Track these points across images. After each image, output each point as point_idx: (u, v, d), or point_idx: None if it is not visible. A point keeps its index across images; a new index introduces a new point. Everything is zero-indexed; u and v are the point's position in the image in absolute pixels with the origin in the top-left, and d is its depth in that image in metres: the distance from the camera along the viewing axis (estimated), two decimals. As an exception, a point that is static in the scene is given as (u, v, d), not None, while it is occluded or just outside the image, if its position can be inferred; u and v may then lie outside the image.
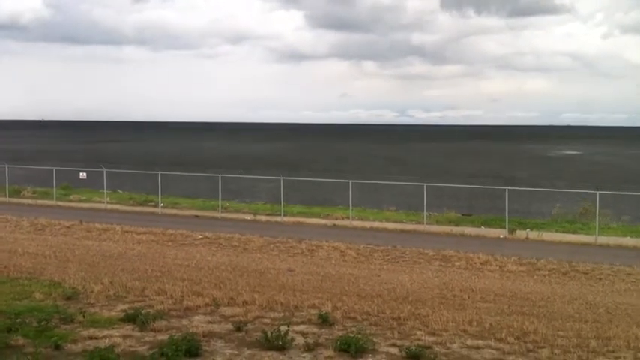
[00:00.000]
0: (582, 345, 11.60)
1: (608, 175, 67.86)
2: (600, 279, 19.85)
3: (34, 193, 41.40)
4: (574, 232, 29.20)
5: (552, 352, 11.09)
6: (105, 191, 37.69)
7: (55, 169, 39.24)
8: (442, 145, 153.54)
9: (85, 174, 40.37)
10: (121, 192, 42.26)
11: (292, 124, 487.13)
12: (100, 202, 37.80)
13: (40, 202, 38.28)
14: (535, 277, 20.04)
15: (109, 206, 36.61)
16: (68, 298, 14.29)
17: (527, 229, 29.07)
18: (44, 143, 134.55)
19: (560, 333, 12.51)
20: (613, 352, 11.33)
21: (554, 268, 21.26)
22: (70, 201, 39.07)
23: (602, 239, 27.12)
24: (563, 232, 29.38)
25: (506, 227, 28.95)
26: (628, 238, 27.84)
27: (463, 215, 33.48)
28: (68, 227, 28.39)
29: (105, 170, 37.47)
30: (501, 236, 28.22)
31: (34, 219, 30.34)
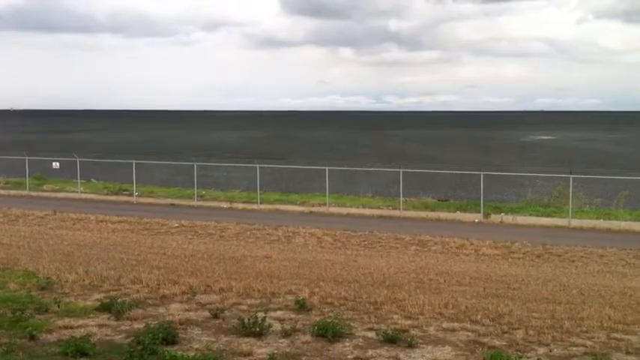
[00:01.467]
0: (556, 326, 11.75)
1: (581, 159, 68.63)
2: (574, 261, 20.11)
3: (6, 183, 40.85)
4: (548, 216, 29.53)
5: (527, 334, 11.23)
6: (79, 180, 37.30)
7: (27, 158, 38.74)
8: (419, 131, 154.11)
9: (58, 163, 39.90)
10: (95, 181, 41.87)
11: (270, 112, 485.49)
12: (73, 191, 37.41)
13: (12, 192, 37.79)
14: (510, 260, 20.24)
15: (83, 195, 36.26)
16: (42, 288, 14.15)
17: (502, 214, 29.33)
18: (9, 133, 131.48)
19: (535, 315, 12.66)
20: (586, 332, 11.49)
21: (528, 251, 21.49)
22: (44, 191, 38.62)
23: (576, 222, 27.46)
24: (538, 215, 29.69)
25: (482, 212, 29.17)
26: (601, 220, 28.20)
27: (439, 200, 33.68)
28: (42, 217, 28.08)
29: (78, 159, 37.06)
30: (476, 220, 28.44)
31: (7, 209, 29.96)
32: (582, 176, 32.98)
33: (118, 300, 12.54)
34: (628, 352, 10.36)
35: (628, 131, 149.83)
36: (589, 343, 10.83)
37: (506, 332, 11.32)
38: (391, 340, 10.51)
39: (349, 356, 9.99)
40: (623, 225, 27.05)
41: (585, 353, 10.26)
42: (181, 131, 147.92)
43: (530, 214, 29.86)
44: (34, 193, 37.28)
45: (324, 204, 32.13)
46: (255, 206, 32.45)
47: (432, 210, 30.99)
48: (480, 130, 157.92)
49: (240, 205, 33.02)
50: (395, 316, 12.28)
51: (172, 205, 33.59)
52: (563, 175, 31.65)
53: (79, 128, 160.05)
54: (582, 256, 20.82)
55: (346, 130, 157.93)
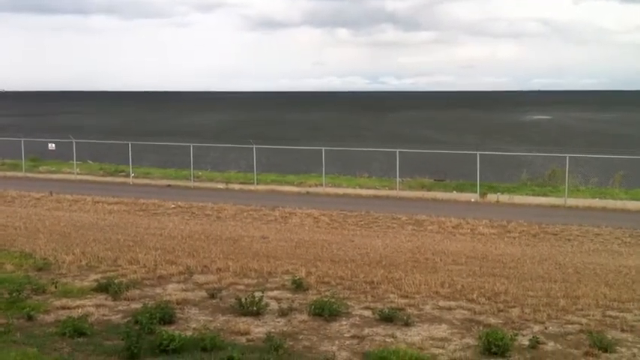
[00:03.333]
0: (552, 304, 11.83)
1: (578, 139, 68.65)
2: (569, 240, 20.18)
3: (2, 164, 40.73)
4: (544, 195, 29.57)
5: (523, 312, 11.31)
6: (75, 162, 37.20)
7: (23, 139, 38.59)
8: (416, 113, 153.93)
9: (53, 145, 39.74)
10: (91, 162, 41.77)
11: (266, 93, 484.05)
12: (69, 172, 37.32)
13: (8, 173, 37.68)
14: (506, 239, 20.30)
15: (79, 177, 36.19)
16: (39, 269, 14.19)
17: (498, 193, 29.36)
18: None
19: (530, 293, 12.74)
20: (582, 310, 11.58)
21: (524, 230, 21.56)
22: (40, 172, 38.52)
23: (572, 201, 27.51)
24: (534, 195, 29.73)
25: (478, 191, 29.20)
26: (597, 199, 28.27)
27: (436, 180, 33.69)
28: (38, 199, 28.04)
29: (74, 141, 36.95)
30: (473, 200, 28.48)
31: (3, 191, 29.89)
32: (578, 155, 33.01)
33: (115, 280, 12.60)
34: (623, 330, 10.45)
35: (624, 110, 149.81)
36: (584, 320, 10.92)
37: (502, 310, 11.41)
38: (387, 318, 10.59)
39: (346, 335, 10.06)
40: (618, 204, 27.11)
41: (580, 331, 10.35)
42: (170, 114, 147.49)
43: (527, 194, 29.89)
44: (30, 175, 37.19)
45: (321, 184, 32.13)
46: (251, 187, 32.44)
47: (429, 190, 31.01)
48: (477, 111, 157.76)
49: (236, 186, 33.00)
50: (391, 295, 12.36)
51: (169, 186, 33.55)
52: (560, 155, 31.66)
53: (63, 110, 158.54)
54: (578, 235, 20.89)
55: (343, 111, 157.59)
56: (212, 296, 11.95)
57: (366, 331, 10.21)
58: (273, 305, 11.34)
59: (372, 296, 12.24)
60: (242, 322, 10.44)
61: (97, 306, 11.42)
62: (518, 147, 54.29)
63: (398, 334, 10.08)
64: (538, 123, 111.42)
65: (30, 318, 10.59)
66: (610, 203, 27.33)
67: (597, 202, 27.61)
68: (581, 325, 10.67)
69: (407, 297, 12.21)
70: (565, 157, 29.08)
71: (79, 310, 11.02)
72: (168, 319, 10.40)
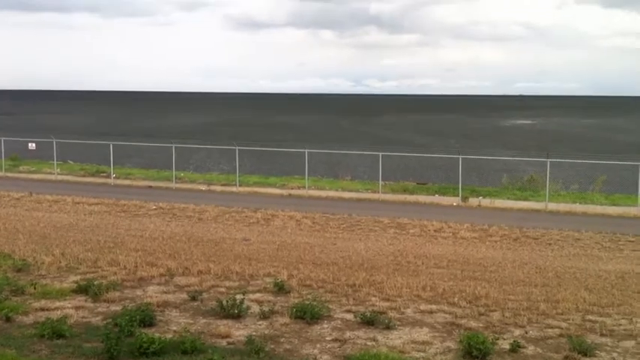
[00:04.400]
0: (532, 308, 11.89)
1: (559, 144, 69.16)
2: (550, 244, 20.32)
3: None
4: (525, 200, 29.76)
5: (503, 315, 11.35)
6: (55, 162, 36.90)
7: (2, 139, 38.22)
8: (398, 116, 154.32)
9: (34, 144, 39.39)
10: (71, 162, 41.46)
11: (249, 94, 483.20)
12: (50, 172, 37.01)
13: (-13, 173, 37.30)
14: (487, 243, 20.40)
15: (60, 177, 35.89)
16: (18, 270, 14.03)
17: (480, 197, 29.51)
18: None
19: (511, 297, 12.80)
20: (562, 314, 11.64)
21: (505, 235, 21.67)
22: (20, 172, 38.17)
23: (552, 206, 27.71)
24: (515, 199, 29.91)
25: (460, 195, 29.33)
26: (577, 204, 28.48)
27: (418, 184, 33.79)
28: (17, 199, 27.77)
29: (55, 140, 36.64)
30: (455, 204, 28.60)
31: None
32: (559, 160, 33.25)
33: (95, 282, 12.48)
34: (602, 334, 10.51)
35: (606, 116, 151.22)
36: (564, 324, 10.98)
37: (482, 314, 11.44)
38: (369, 321, 10.58)
39: (327, 338, 10.03)
40: (598, 209, 27.36)
41: (560, 335, 10.40)
42: (153, 114, 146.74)
43: (508, 198, 30.08)
44: (9, 174, 36.82)
45: (303, 187, 32.11)
46: (234, 189, 32.35)
47: (411, 193, 31.09)
48: (459, 115, 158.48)
49: (218, 188, 32.89)
50: (373, 299, 12.35)
51: (150, 187, 33.37)
52: (541, 159, 31.87)
53: (43, 109, 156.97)
54: (558, 240, 21.04)
55: (326, 114, 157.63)
56: (193, 299, 11.87)
57: (348, 334, 10.18)
58: (255, 308, 11.29)
59: (353, 299, 12.23)
60: (223, 325, 10.38)
61: (77, 308, 11.30)
62: (501, 151, 54.61)
63: (379, 337, 10.06)
64: (520, 127, 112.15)
65: (8, 319, 10.46)
66: (590, 208, 27.56)
67: (578, 207, 27.83)
68: (561, 329, 10.72)
69: (388, 300, 12.21)
70: (546, 161, 29.27)
71: (58, 312, 10.90)
72: (148, 321, 10.31)
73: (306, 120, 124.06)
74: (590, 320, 11.31)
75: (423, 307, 11.84)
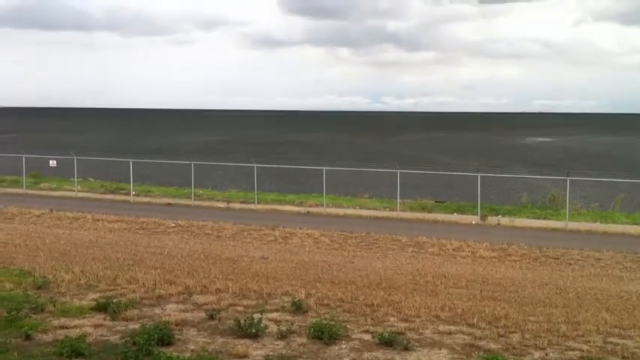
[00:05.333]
0: (553, 330, 11.76)
1: (579, 162, 68.67)
2: (570, 264, 20.10)
3: (2, 181, 40.72)
4: (545, 218, 29.50)
5: (523, 337, 11.24)
6: (75, 179, 37.21)
7: (24, 156, 38.63)
8: (421, 135, 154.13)
9: (55, 162, 39.79)
10: (92, 180, 41.79)
11: (267, 111, 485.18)
12: (70, 190, 37.32)
13: (9, 190, 37.68)
14: (506, 262, 20.23)
15: (80, 194, 36.18)
16: (38, 288, 14.14)
17: (499, 216, 29.30)
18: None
19: (531, 318, 12.67)
20: (583, 336, 11.50)
21: (525, 254, 21.48)
22: (40, 189, 38.52)
23: (573, 225, 27.45)
24: (535, 218, 29.65)
25: (479, 213, 29.15)
26: (598, 223, 28.20)
27: (436, 202, 33.64)
28: (38, 216, 28.01)
29: (75, 158, 36.99)
30: (474, 222, 28.42)
31: (3, 207, 29.86)
32: (579, 178, 32.99)
33: (114, 300, 12.53)
34: (624, 357, 10.37)
35: (624, 134, 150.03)
36: (585, 347, 10.85)
37: (502, 336, 11.33)
38: (387, 342, 10.52)
39: (345, 359, 9.99)
40: (619, 228, 27.05)
41: (581, 357, 10.27)
42: (171, 131, 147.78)
43: (528, 217, 29.82)
44: (30, 192, 37.18)
45: (321, 204, 32.09)
46: (252, 206, 32.41)
47: (430, 211, 30.96)
48: (478, 133, 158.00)
49: (237, 205, 32.97)
50: (391, 319, 12.28)
51: (169, 204, 33.52)
52: (561, 178, 31.63)
53: (63, 127, 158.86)
54: (579, 259, 20.81)
55: (344, 132, 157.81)
56: (211, 317, 11.89)
57: (366, 355, 10.14)
58: (272, 327, 11.27)
59: (371, 319, 12.18)
60: (241, 345, 10.37)
61: (96, 326, 11.36)
62: (520, 169, 54.31)
63: (398, 358, 10.01)
64: (540, 145, 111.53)
65: (28, 337, 10.53)
66: (611, 227, 27.26)
67: (598, 226, 27.54)
68: (582, 351, 10.59)
69: (407, 320, 12.14)
70: (566, 179, 29.05)
71: (77, 330, 10.96)
72: (166, 340, 10.33)
73: (324, 138, 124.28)
74: (611, 342, 11.17)
75: (441, 327, 11.75)
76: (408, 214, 30.25)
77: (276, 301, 13.50)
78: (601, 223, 28.35)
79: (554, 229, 27.05)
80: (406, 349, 10.38)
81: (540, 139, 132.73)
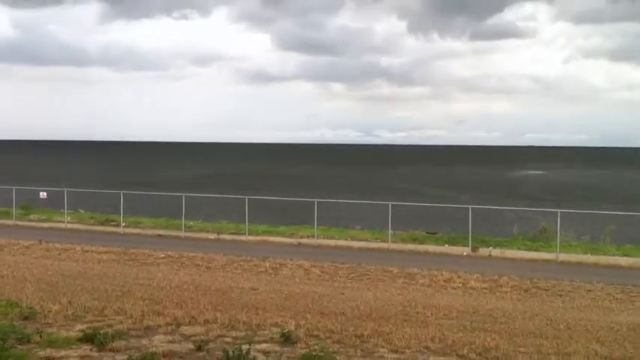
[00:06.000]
0: (543, 361, 11.69)
1: (569, 194, 68.97)
2: (561, 295, 20.08)
3: (-8, 212, 40.50)
4: (536, 250, 29.51)
5: (513, 368, 11.16)
6: (65, 210, 37.08)
7: (14, 188, 38.51)
8: (412, 168, 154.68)
9: (45, 193, 39.65)
10: (82, 211, 41.62)
11: (259, 144, 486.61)
12: (60, 221, 37.15)
13: (-2, 221, 37.47)
14: (497, 294, 20.18)
15: (70, 225, 36.02)
16: (25, 318, 13.99)
17: (490, 247, 29.31)
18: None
19: (522, 349, 12.60)
20: (573, 367, 11.44)
21: (515, 285, 21.45)
22: (30, 220, 38.33)
23: (564, 256, 27.48)
24: (525, 249, 29.66)
25: (470, 245, 29.15)
26: (589, 255, 28.23)
27: (428, 233, 33.63)
28: (27, 247, 27.84)
29: (66, 189, 36.89)
30: (464, 254, 28.41)
31: (-8, 239, 29.67)
32: (570, 211, 33.05)
33: (101, 331, 12.40)
34: (614, 388, 10.30)
35: (614, 168, 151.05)
36: (575, 378, 10.78)
37: (492, 366, 11.26)
38: (376, 373, 10.43)
39: (334, 390, 9.88)
40: (610, 260, 27.08)
41: (572, 388, 10.20)
42: (164, 165, 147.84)
43: (519, 248, 29.84)
44: (20, 223, 36.98)
45: (312, 236, 32.04)
46: (243, 237, 32.32)
47: (421, 243, 30.94)
48: (470, 165, 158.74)
49: (228, 237, 32.87)
50: (381, 350, 12.19)
51: (159, 235, 33.40)
52: (552, 210, 31.72)
53: (56, 161, 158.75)
54: (570, 291, 20.79)
55: (336, 165, 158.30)
56: (199, 349, 11.76)
57: (355, 386, 10.04)
58: (261, 359, 11.17)
59: (361, 350, 12.08)
60: (229, 376, 10.25)
61: (82, 357, 11.22)
62: (512, 202, 54.45)
63: (387, 389, 9.91)
64: (531, 178, 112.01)
65: (13, 368, 10.39)
66: (602, 259, 27.29)
67: (589, 258, 27.57)
68: (573, 382, 10.52)
69: (397, 352, 12.05)
70: (557, 212, 29.13)
71: (63, 361, 10.82)
72: (153, 371, 10.21)
73: (316, 171, 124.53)
74: (602, 373, 11.10)
75: (432, 358, 11.67)
76: (399, 246, 30.22)
77: (265, 332, 13.39)
78: (592, 254, 28.38)
79: (545, 261, 27.07)
80: (395, 380, 10.29)
81: (532, 172, 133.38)
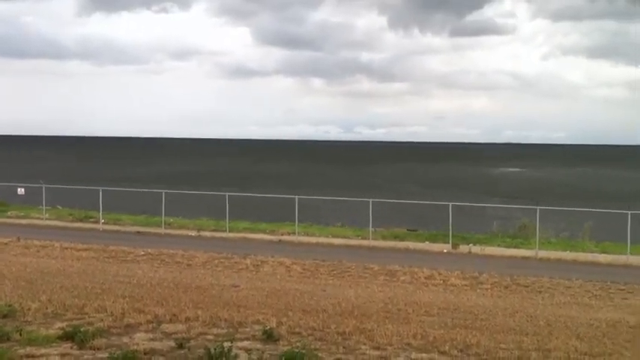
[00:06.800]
0: (523, 357, 11.76)
1: (548, 192, 69.54)
2: (541, 292, 20.25)
3: (-31, 209, 40.04)
4: (515, 247, 29.76)
5: (495, 365, 11.22)
6: (44, 207, 36.73)
7: (-9, 184, 38.09)
8: (393, 165, 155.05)
9: (23, 189, 39.27)
10: (60, 208, 41.25)
11: (239, 140, 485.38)
12: (38, 218, 36.80)
13: (-25, 218, 37.04)
14: (478, 290, 20.31)
15: (48, 222, 35.69)
16: (4, 316, 13.81)
17: (470, 244, 29.49)
18: None
19: (502, 346, 12.67)
20: (553, 363, 11.53)
21: (496, 282, 21.60)
22: (8, 217, 37.94)
23: (543, 253, 27.71)
24: (505, 246, 29.90)
25: (450, 242, 29.31)
26: (567, 252, 28.50)
27: (408, 230, 33.77)
28: (5, 244, 27.53)
29: (44, 185, 36.54)
30: (445, 251, 28.56)
31: (-31, 236, 29.31)
32: (548, 208, 33.35)
33: (82, 329, 12.27)
34: (594, 384, 10.40)
35: (592, 165, 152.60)
36: (556, 374, 10.86)
37: (474, 363, 11.31)
38: (359, 370, 10.43)
39: (316, 387, 9.87)
40: (589, 256, 27.37)
41: (552, 384, 10.28)
42: (142, 160, 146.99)
43: (499, 245, 30.07)
44: (-3, 220, 36.58)
45: (294, 233, 32.02)
46: (223, 234, 32.22)
47: (402, 240, 31.07)
48: (449, 162, 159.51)
49: (208, 234, 32.76)
50: (363, 347, 12.19)
51: (139, 232, 33.20)
52: (530, 207, 31.98)
53: (32, 155, 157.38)
54: (549, 287, 20.98)
55: (317, 163, 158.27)
56: (180, 346, 11.68)
57: (337, 383, 10.03)
58: (243, 356, 11.12)
59: (343, 347, 12.07)
60: (211, 373, 10.20)
61: (62, 355, 11.10)
62: (491, 199, 54.81)
63: (369, 386, 9.92)
64: (510, 175, 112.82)
65: (-9, 367, 10.26)
66: (581, 256, 27.58)
67: (568, 255, 27.84)
68: (553, 378, 10.60)
69: (379, 348, 12.06)
70: (536, 209, 29.37)
71: (44, 359, 10.71)
72: (134, 369, 10.13)
73: (296, 167, 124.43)
74: (582, 369, 11.20)
75: (413, 355, 11.69)
76: (380, 243, 30.31)
77: (246, 329, 13.34)
78: (570, 251, 28.67)
79: (524, 258, 27.28)
80: (378, 377, 10.30)
81: (511, 169, 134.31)
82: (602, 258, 27.10)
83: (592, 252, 28.53)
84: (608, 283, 21.91)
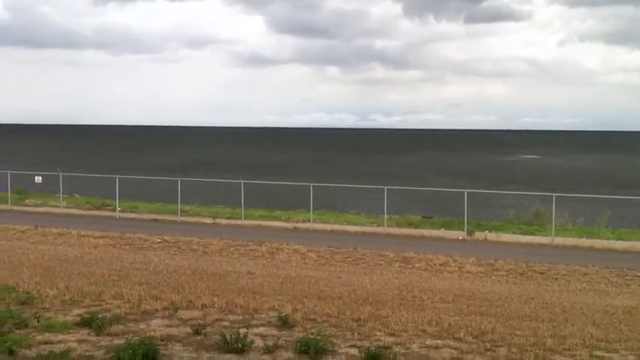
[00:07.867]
0: (539, 344, 11.75)
1: (565, 178, 69.08)
2: (556, 279, 20.17)
3: (-13, 197, 40.42)
4: (531, 234, 29.63)
5: (510, 351, 11.21)
6: (61, 195, 37.02)
7: (9, 172, 38.41)
8: (409, 153, 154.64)
9: (40, 178, 39.59)
10: (77, 196, 41.58)
11: (255, 128, 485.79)
12: (56, 206, 37.10)
13: (-6, 206, 37.40)
14: (493, 277, 20.26)
15: (65, 210, 35.97)
16: (22, 303, 13.97)
17: (486, 231, 29.40)
18: None
19: (518, 332, 12.66)
20: (569, 350, 11.50)
21: (511, 269, 21.53)
22: (26, 205, 38.28)
23: (559, 240, 27.58)
24: (521, 233, 29.79)
25: (465, 229, 29.23)
26: (584, 239, 28.35)
27: (424, 217, 33.72)
28: (23, 232, 27.80)
29: (61, 174, 36.81)
30: (460, 238, 28.50)
31: (-12, 224, 29.61)
32: (565, 194, 33.15)
33: (99, 315, 12.40)
34: (610, 370, 10.37)
35: (609, 151, 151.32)
36: (571, 360, 10.84)
37: (489, 349, 11.30)
38: (374, 357, 10.46)
39: (331, 373, 9.92)
40: (605, 243, 27.21)
41: (568, 371, 10.26)
42: (157, 149, 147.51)
43: (514, 232, 29.95)
44: (15, 208, 36.93)
45: (309, 220, 32.07)
46: (239, 222, 32.33)
47: (417, 227, 31.02)
48: (466, 150, 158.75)
49: (223, 221, 32.88)
50: (378, 333, 12.23)
51: (155, 220, 33.39)
52: (547, 194, 31.80)
53: (51, 145, 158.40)
54: (565, 274, 20.89)
55: (332, 151, 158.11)
56: (196, 332, 11.78)
57: (352, 369, 10.08)
58: (259, 342, 11.19)
59: (358, 334, 12.12)
60: None
61: (80, 341, 11.22)
62: (507, 186, 54.54)
63: (384, 372, 9.95)
64: (526, 162, 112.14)
65: (11, 353, 10.39)
66: (597, 242, 27.41)
67: (584, 242, 27.69)
68: (569, 365, 10.58)
69: (394, 335, 12.09)
70: (552, 195, 29.20)
71: (62, 345, 10.82)
72: (151, 355, 10.21)
73: (312, 156, 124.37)
74: (597, 356, 11.16)
75: (428, 342, 11.71)
76: (395, 230, 30.29)
77: (262, 316, 13.41)
78: (587, 238, 28.51)
79: (540, 245, 27.17)
80: (393, 363, 10.32)
81: (528, 156, 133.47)
82: (619, 245, 26.92)
83: (608, 239, 28.36)
84: (625, 269, 21.77)
